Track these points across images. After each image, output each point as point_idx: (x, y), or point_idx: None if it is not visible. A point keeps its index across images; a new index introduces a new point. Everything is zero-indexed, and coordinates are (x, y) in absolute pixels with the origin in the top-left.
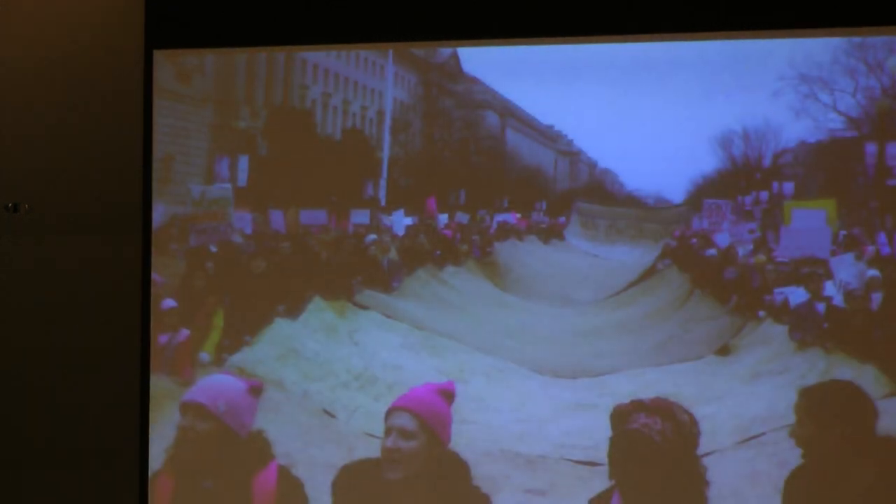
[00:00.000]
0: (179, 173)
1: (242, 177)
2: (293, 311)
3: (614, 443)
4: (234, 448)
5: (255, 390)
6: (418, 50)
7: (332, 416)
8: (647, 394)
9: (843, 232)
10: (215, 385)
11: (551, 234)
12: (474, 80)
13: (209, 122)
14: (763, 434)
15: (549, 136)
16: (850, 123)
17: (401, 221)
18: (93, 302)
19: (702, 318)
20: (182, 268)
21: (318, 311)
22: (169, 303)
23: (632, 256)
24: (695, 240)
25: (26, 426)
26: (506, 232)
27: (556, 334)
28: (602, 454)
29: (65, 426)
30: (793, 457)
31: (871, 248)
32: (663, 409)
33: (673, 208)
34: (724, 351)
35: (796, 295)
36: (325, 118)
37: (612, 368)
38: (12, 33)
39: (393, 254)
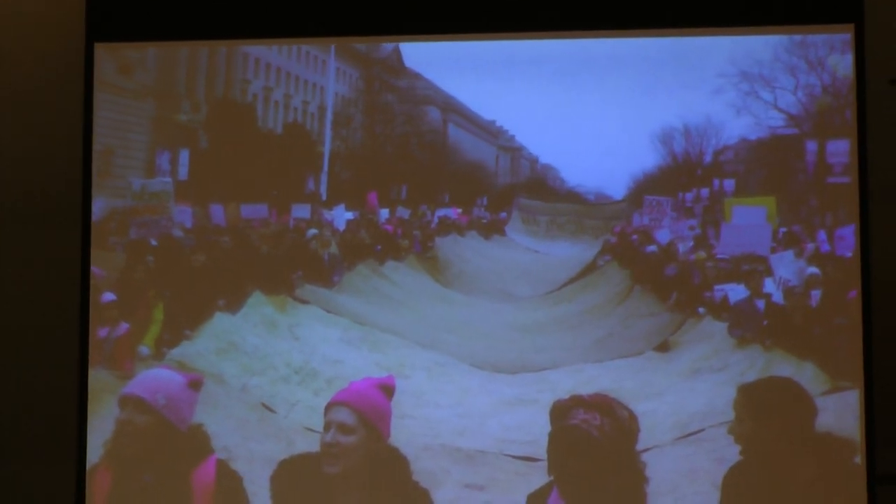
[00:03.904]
0: (120, 167)
1: (183, 170)
2: (233, 306)
3: (553, 438)
4: (173, 442)
5: (195, 384)
6: (360, 45)
7: (272, 410)
8: (586, 389)
9: (783, 229)
10: (155, 379)
11: (492, 229)
12: (416, 76)
13: (150, 116)
14: (702, 430)
15: (490, 132)
16: (791, 121)
17: (342, 216)
18: (31, 295)
19: (642, 315)
20: (122, 261)
21: (259, 306)
22: (108, 296)
23: (572, 252)
24: (635, 236)
25: None
26: (447, 227)
27: (496, 329)
28: (541, 449)
29: (2, 419)
30: (731, 453)
31: (810, 246)
32: (603, 404)
33: (614, 204)
34: (663, 347)
35: (736, 292)
36: (267, 112)
37: (552, 364)
38: None
39: (334, 248)
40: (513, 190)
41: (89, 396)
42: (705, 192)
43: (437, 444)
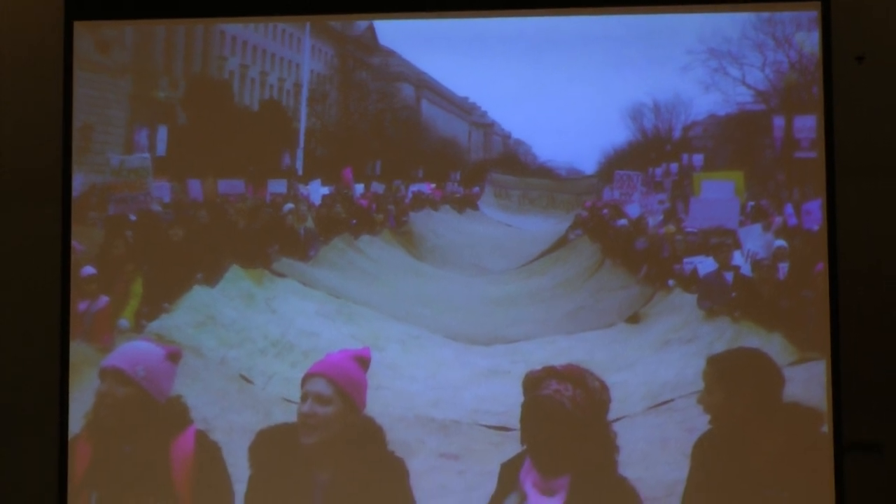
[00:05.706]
0: (99, 143)
1: (161, 146)
2: (211, 279)
3: (526, 408)
4: (153, 413)
5: (174, 356)
6: (335, 23)
7: (250, 381)
8: (559, 361)
9: (750, 203)
10: (134, 351)
11: (465, 203)
12: (390, 53)
13: (128, 93)
14: (672, 401)
15: (463, 108)
16: (759, 97)
17: (317, 191)
18: (13, 270)
19: (613, 288)
20: (101, 236)
21: (236, 279)
22: (88, 270)
23: (544, 226)
24: (606, 210)
25: None
26: (421, 202)
27: (469, 302)
28: (514, 420)
29: None
30: (701, 423)
31: (778, 219)
32: (575, 375)
33: (585, 179)
34: (634, 319)
35: (705, 265)
36: (243, 89)
37: (525, 336)
38: None
39: (310, 223)
40: (485, 165)
41: (70, 369)
42: (674, 166)
43: (412, 414)
